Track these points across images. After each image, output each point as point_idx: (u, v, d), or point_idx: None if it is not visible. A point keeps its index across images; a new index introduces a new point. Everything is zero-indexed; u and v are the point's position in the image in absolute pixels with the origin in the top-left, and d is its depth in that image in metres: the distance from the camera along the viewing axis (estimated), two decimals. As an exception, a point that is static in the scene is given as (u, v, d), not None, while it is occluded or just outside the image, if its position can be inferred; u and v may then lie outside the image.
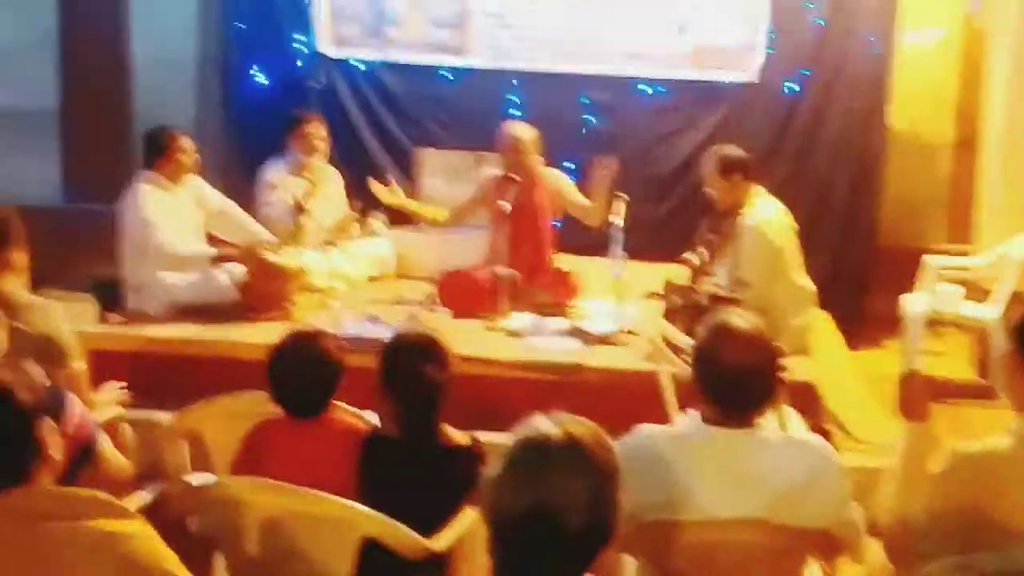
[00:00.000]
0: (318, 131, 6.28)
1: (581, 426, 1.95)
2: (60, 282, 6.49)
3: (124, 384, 3.84)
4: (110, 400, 3.70)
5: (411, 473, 2.87)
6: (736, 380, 2.60)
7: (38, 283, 6.22)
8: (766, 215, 5.21)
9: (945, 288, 6.11)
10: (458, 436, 2.97)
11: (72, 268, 6.58)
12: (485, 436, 3.08)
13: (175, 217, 5.55)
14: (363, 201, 6.35)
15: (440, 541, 2.70)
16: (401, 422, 2.96)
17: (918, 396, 2.72)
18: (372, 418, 3.26)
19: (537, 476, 1.88)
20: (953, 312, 6.16)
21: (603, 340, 5.25)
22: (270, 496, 2.73)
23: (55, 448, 2.24)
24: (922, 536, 2.48)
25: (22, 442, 2.19)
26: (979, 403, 5.44)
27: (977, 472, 2.44)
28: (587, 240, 6.11)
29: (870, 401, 5.35)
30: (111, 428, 3.64)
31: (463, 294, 5.67)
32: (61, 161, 7.63)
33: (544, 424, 1.94)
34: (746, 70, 6.98)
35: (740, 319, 2.67)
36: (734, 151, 5.30)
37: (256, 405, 3.20)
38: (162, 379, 4.88)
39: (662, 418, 3.87)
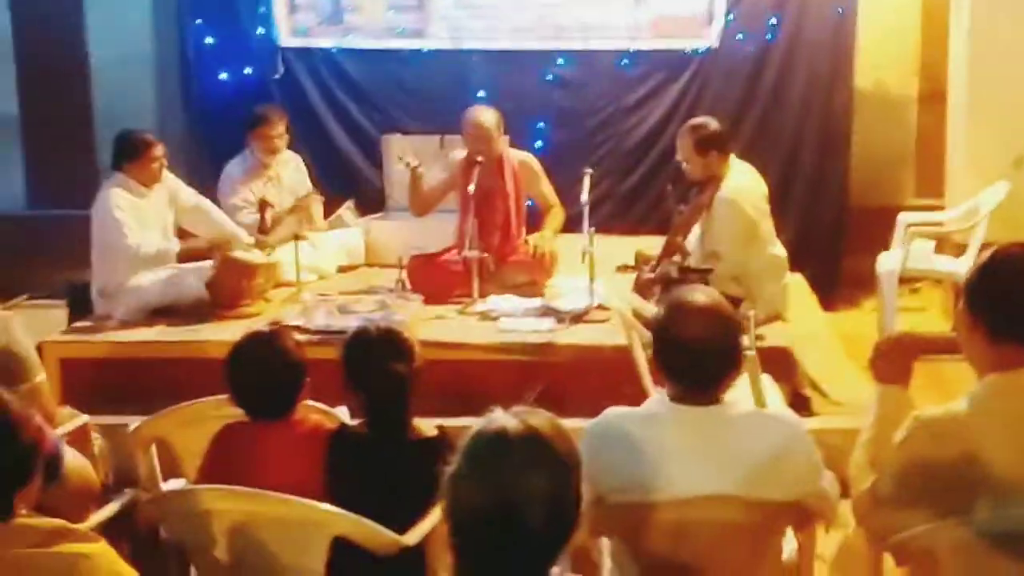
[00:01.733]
0: (278, 130, 6.22)
1: (539, 417, 1.92)
2: (29, 289, 6.48)
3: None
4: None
5: (380, 468, 2.84)
6: (694, 356, 2.58)
7: (6, 292, 6.21)
8: (740, 185, 5.17)
9: (917, 244, 6.12)
10: (426, 428, 2.93)
11: (40, 275, 6.55)
12: (463, 422, 3.06)
13: (146, 220, 5.50)
14: (331, 190, 6.31)
15: (412, 536, 2.67)
16: (368, 417, 2.93)
17: (894, 358, 2.69)
18: (344, 413, 3.24)
19: (496, 470, 1.85)
20: (926, 267, 6.18)
21: (576, 318, 5.22)
22: (238, 502, 2.70)
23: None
24: (890, 502, 2.46)
25: (19, 475, 2.17)
26: (953, 358, 5.45)
27: (942, 434, 2.40)
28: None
29: (847, 362, 5.36)
30: (80, 436, 3.62)
31: (434, 279, 5.64)
32: (23, 167, 7.57)
33: (502, 417, 1.91)
34: (707, 36, 6.95)
35: (698, 294, 2.65)
36: (710, 124, 5.22)
37: (225, 408, 3.16)
38: (134, 383, 4.86)
39: (638, 391, 3.87)
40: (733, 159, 5.26)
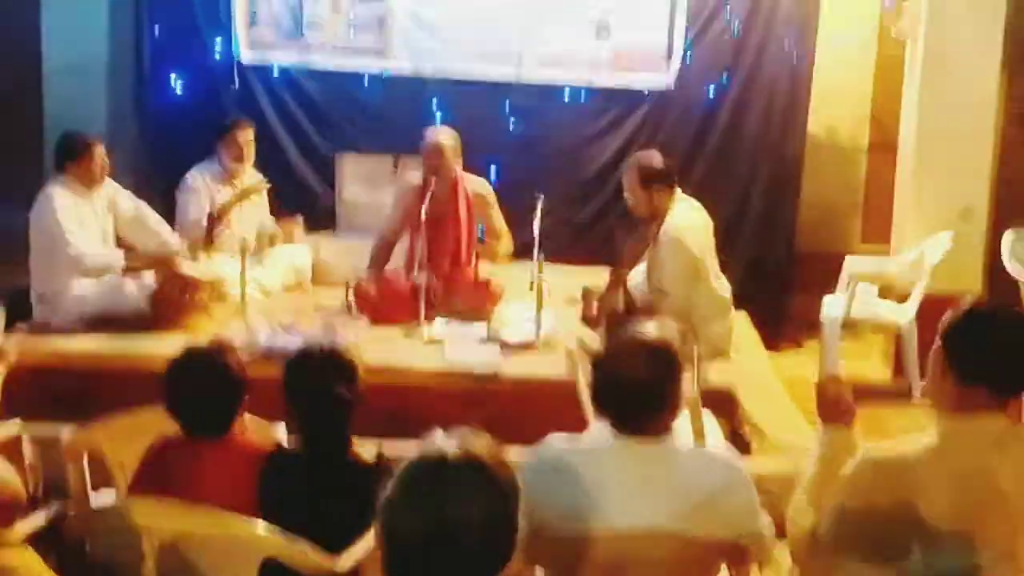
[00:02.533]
0: (248, 138, 6.18)
1: (479, 443, 1.90)
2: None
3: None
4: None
5: (315, 491, 2.80)
6: (624, 394, 2.58)
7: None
8: (686, 223, 5.19)
9: (862, 289, 6.19)
10: (364, 453, 2.90)
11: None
12: (402, 446, 3.03)
13: (86, 223, 5.44)
14: (282, 207, 6.26)
15: (345, 560, 2.64)
16: (306, 438, 2.89)
17: (837, 401, 2.72)
18: (283, 431, 3.20)
19: (434, 495, 1.83)
20: (869, 313, 6.25)
21: (522, 347, 5.22)
22: (170, 518, 2.66)
23: None
24: (829, 543, 2.47)
25: None
26: (893, 404, 5.52)
27: (887, 476, 2.44)
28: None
29: (788, 404, 5.38)
30: (11, 445, 3.56)
31: (380, 301, 5.60)
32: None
33: (442, 441, 1.89)
34: (665, 74, 7.00)
35: (646, 329, 2.65)
36: (655, 160, 5.26)
37: (160, 421, 3.11)
38: (69, 393, 4.77)
39: (581, 422, 3.86)
40: (679, 194, 5.28)
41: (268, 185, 6.26)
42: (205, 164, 6.19)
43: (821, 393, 2.75)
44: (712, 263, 5.29)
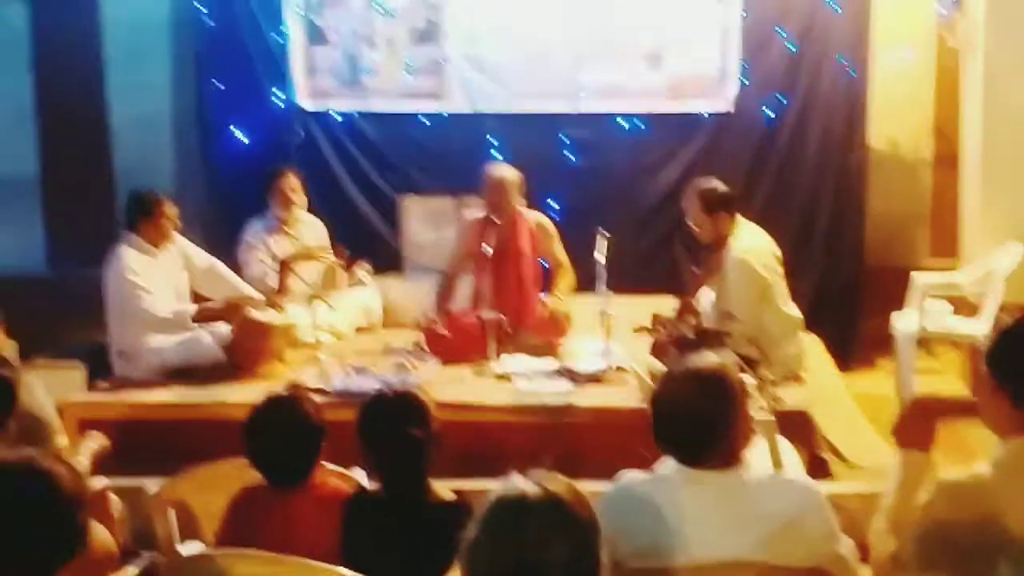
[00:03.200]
0: (291, 183, 6.27)
1: (558, 482, 1.93)
2: (49, 350, 6.50)
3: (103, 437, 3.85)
4: (91, 449, 3.70)
5: (396, 533, 2.83)
6: (681, 427, 2.59)
7: (26, 353, 6.24)
8: (750, 246, 5.20)
9: (933, 305, 6.12)
10: (444, 492, 2.93)
11: (60, 336, 6.58)
12: (480, 484, 3.05)
13: (158, 280, 5.54)
14: (349, 250, 6.34)
15: (430, 601, 2.66)
16: (384, 481, 2.93)
17: (918, 423, 2.69)
18: (361, 475, 3.24)
19: (516, 535, 1.86)
20: (942, 329, 6.17)
21: (593, 379, 5.22)
22: (258, 566, 2.70)
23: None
24: (912, 567, 2.45)
25: (68, 533, 2.16)
26: (973, 421, 5.43)
27: (967, 496, 2.41)
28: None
29: (864, 424, 5.34)
30: (97, 498, 3.63)
31: (451, 340, 5.65)
32: (44, 228, 7.64)
33: (521, 482, 1.92)
34: (722, 100, 7.01)
35: (702, 359, 2.65)
36: (716, 186, 5.29)
37: (243, 471, 3.17)
38: (151, 445, 4.85)
39: (656, 454, 3.86)
40: (741, 220, 5.29)
41: (331, 259, 6.27)
42: (258, 218, 6.30)
43: (900, 417, 2.72)
44: (781, 287, 5.27)
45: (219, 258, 6.00)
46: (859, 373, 6.64)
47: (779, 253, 5.33)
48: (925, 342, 6.30)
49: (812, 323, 5.77)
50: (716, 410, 2.59)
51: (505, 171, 5.86)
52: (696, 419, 2.57)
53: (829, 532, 2.62)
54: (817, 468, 4.62)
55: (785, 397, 4.85)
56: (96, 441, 3.87)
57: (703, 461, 2.59)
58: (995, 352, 2.46)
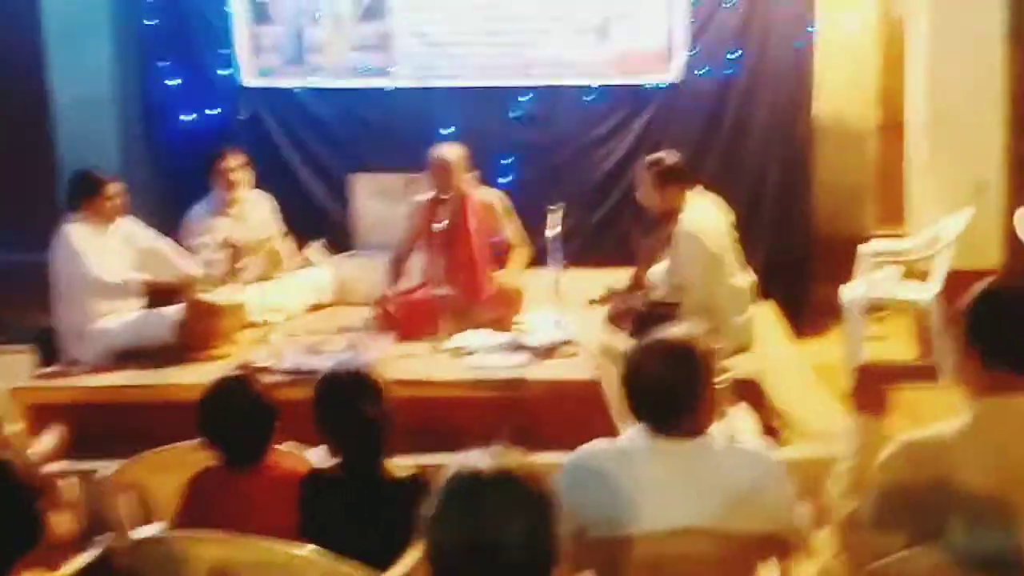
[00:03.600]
0: (231, 163, 6.19)
1: (512, 458, 1.94)
2: (-2, 336, 6.40)
3: (63, 429, 3.81)
4: (50, 446, 3.66)
5: (355, 511, 2.83)
6: (658, 394, 2.60)
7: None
8: (700, 219, 5.21)
9: (882, 272, 6.18)
10: (400, 469, 2.93)
11: (5, 320, 6.49)
12: (436, 459, 3.05)
13: (106, 256, 5.47)
14: (299, 230, 6.30)
15: (391, 576, 2.67)
16: (341, 459, 2.92)
17: (871, 389, 2.74)
18: (317, 454, 3.22)
19: (473, 511, 1.86)
20: (891, 296, 6.24)
21: (547, 352, 5.24)
22: (216, 547, 2.69)
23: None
24: (872, 526, 2.49)
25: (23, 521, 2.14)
26: (923, 385, 5.51)
27: (923, 456, 2.45)
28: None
29: (816, 391, 5.38)
30: (52, 484, 3.59)
31: (403, 317, 5.64)
32: (-12, 213, 7.52)
33: (476, 458, 1.92)
34: (670, 70, 7.02)
35: (673, 331, 2.67)
36: (668, 159, 5.27)
37: (197, 453, 3.15)
38: (104, 428, 4.80)
39: (609, 426, 3.88)
40: (694, 192, 5.29)
41: (280, 243, 6.23)
42: (203, 202, 6.23)
43: (856, 383, 2.76)
44: (730, 259, 5.30)
45: (164, 237, 5.93)
46: (810, 341, 6.71)
47: (732, 218, 5.34)
48: (875, 309, 6.37)
49: (763, 291, 5.82)
50: (692, 379, 2.61)
51: (448, 150, 5.82)
52: (674, 387, 2.59)
53: (787, 500, 2.65)
54: (768, 436, 4.65)
55: (736, 367, 4.90)
56: (55, 434, 3.82)
57: (676, 430, 2.60)
58: (971, 312, 2.50)
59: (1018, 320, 2.47)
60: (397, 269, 5.96)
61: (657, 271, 5.45)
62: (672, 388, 2.59)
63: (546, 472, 1.97)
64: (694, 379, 2.61)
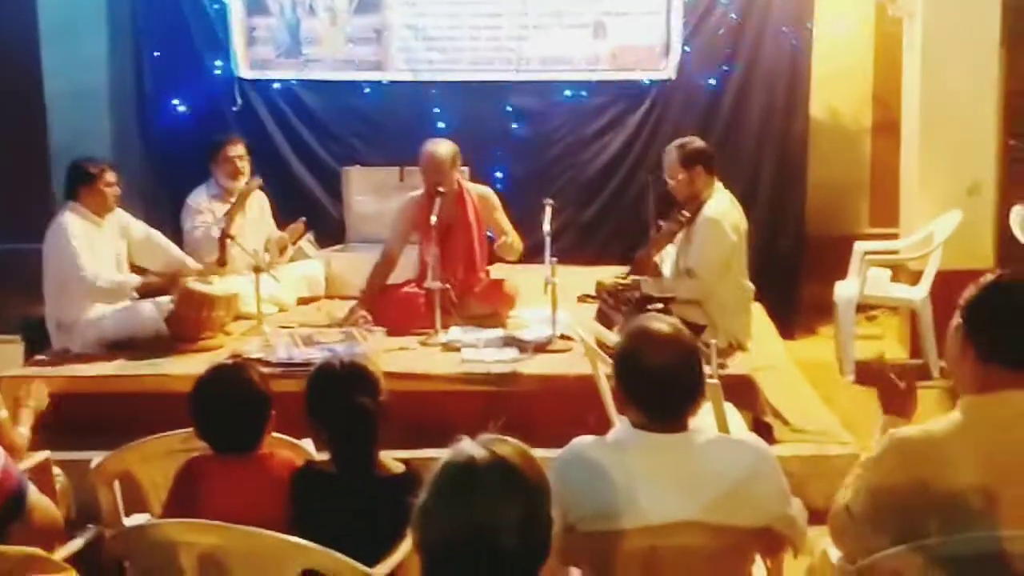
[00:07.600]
0: (237, 151, 6.19)
1: (507, 446, 1.93)
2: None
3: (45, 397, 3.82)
4: (30, 412, 3.67)
5: (346, 504, 2.81)
6: (657, 385, 2.59)
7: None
8: (724, 208, 5.21)
9: (873, 272, 6.19)
10: (393, 462, 2.91)
11: (-2, 310, 6.48)
12: (428, 453, 3.04)
13: (99, 250, 5.45)
14: (291, 222, 6.28)
15: (382, 568, 2.65)
16: (333, 452, 2.90)
17: (901, 392, 2.74)
18: (310, 446, 3.21)
19: (466, 499, 1.85)
20: (882, 295, 6.25)
21: (539, 347, 5.23)
22: (205, 535, 2.67)
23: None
24: (862, 521, 2.49)
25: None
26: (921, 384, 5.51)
27: (913, 454, 2.44)
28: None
29: (807, 390, 5.40)
30: (41, 471, 3.58)
31: (396, 311, 5.62)
32: (-22, 201, 7.49)
33: (469, 446, 1.91)
34: (665, 68, 7.02)
35: (660, 323, 2.67)
36: (695, 142, 5.30)
37: (189, 442, 3.14)
38: (93, 418, 4.79)
39: (602, 419, 3.88)
40: (720, 186, 5.29)
41: (260, 181, 6.16)
42: (203, 186, 6.22)
43: (882, 385, 2.76)
44: (741, 258, 5.30)
45: (157, 229, 5.91)
46: (801, 340, 6.72)
47: (746, 227, 5.34)
48: (866, 308, 6.38)
49: (755, 290, 5.81)
50: (691, 370, 2.61)
51: (438, 147, 5.76)
52: (671, 375, 2.58)
53: (780, 492, 2.64)
54: (761, 432, 4.65)
55: (730, 363, 4.91)
56: (35, 399, 3.81)
57: (669, 420, 2.60)
58: (971, 308, 2.51)
59: (1017, 315, 2.47)
60: (384, 271, 5.89)
61: (666, 254, 5.45)
62: (672, 374, 2.59)
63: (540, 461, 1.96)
64: (690, 367, 2.61)
